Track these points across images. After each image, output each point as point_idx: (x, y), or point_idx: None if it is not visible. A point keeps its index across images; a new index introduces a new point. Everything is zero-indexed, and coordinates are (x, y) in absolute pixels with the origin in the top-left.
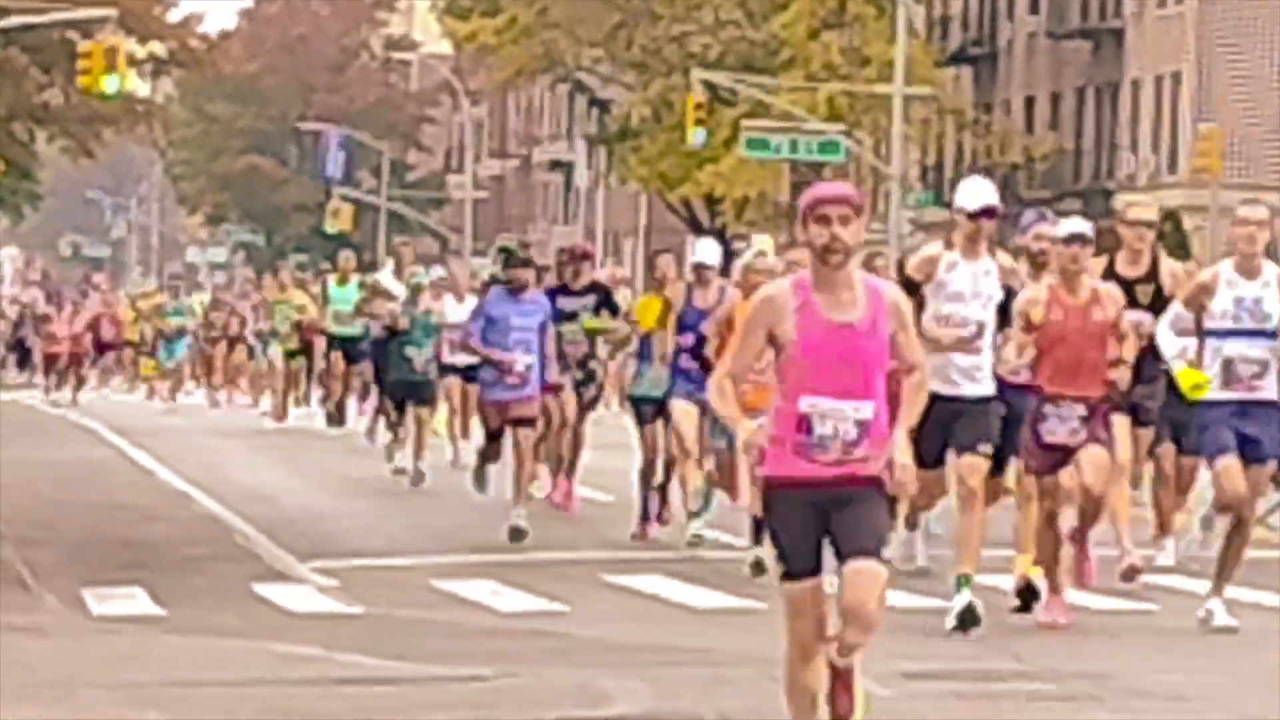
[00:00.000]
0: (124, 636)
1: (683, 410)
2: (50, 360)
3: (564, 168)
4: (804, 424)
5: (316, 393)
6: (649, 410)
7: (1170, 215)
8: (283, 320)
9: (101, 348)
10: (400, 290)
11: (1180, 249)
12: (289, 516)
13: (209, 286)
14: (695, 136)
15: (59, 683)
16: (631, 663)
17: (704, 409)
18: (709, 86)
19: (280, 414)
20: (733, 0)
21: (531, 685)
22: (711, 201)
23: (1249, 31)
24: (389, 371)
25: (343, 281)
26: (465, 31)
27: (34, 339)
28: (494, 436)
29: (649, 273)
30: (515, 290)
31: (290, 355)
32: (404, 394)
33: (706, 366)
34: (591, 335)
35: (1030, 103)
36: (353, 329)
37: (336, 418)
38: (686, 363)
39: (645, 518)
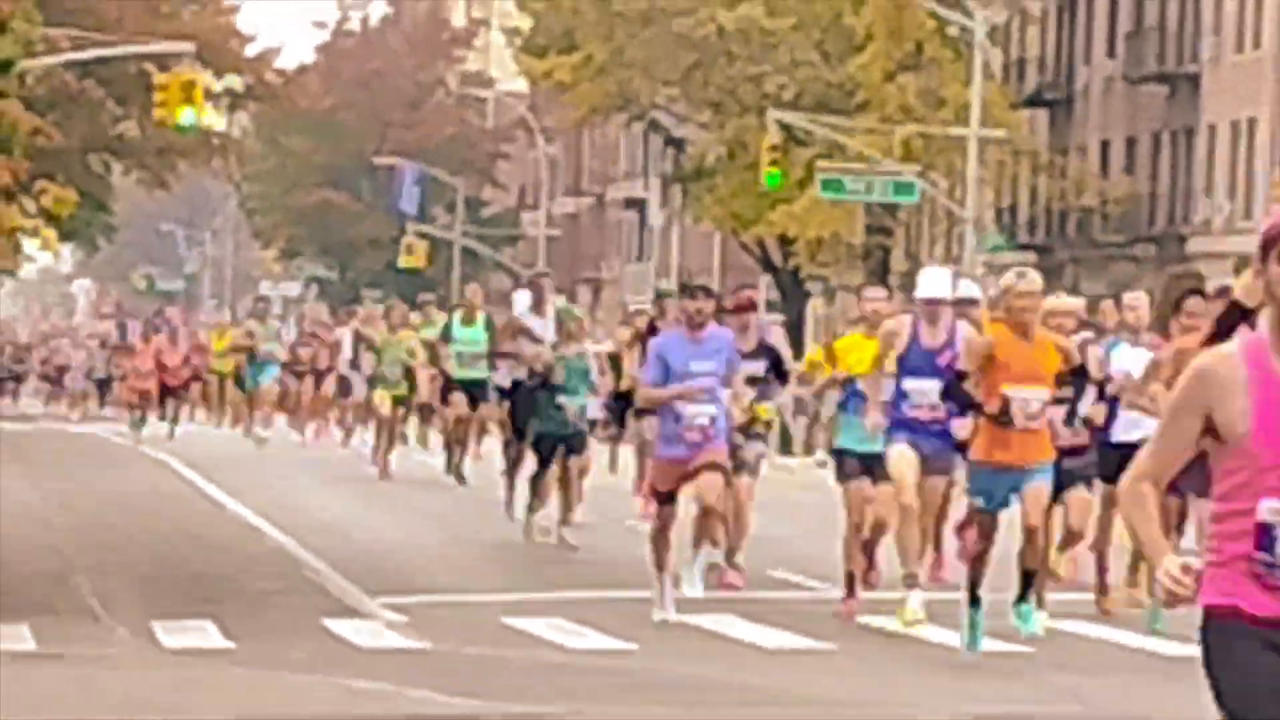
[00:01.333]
0: (193, 669)
1: (901, 455)
2: (140, 397)
3: (638, 206)
4: (1264, 537)
5: (412, 427)
6: (854, 465)
7: (1244, 261)
8: (392, 364)
9: (192, 379)
10: (540, 326)
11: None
12: (359, 551)
13: (291, 319)
14: (768, 180)
15: (129, 714)
16: (700, 701)
17: (925, 459)
18: (784, 127)
19: (385, 467)
20: (809, 41)
21: None
22: (785, 242)
23: None
24: (537, 421)
25: (469, 320)
26: (541, 69)
27: (114, 372)
28: (666, 499)
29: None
30: (695, 328)
31: (398, 401)
32: (554, 446)
33: (967, 407)
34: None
35: (1105, 146)
36: (478, 372)
37: (461, 477)
38: (910, 411)
39: (851, 591)
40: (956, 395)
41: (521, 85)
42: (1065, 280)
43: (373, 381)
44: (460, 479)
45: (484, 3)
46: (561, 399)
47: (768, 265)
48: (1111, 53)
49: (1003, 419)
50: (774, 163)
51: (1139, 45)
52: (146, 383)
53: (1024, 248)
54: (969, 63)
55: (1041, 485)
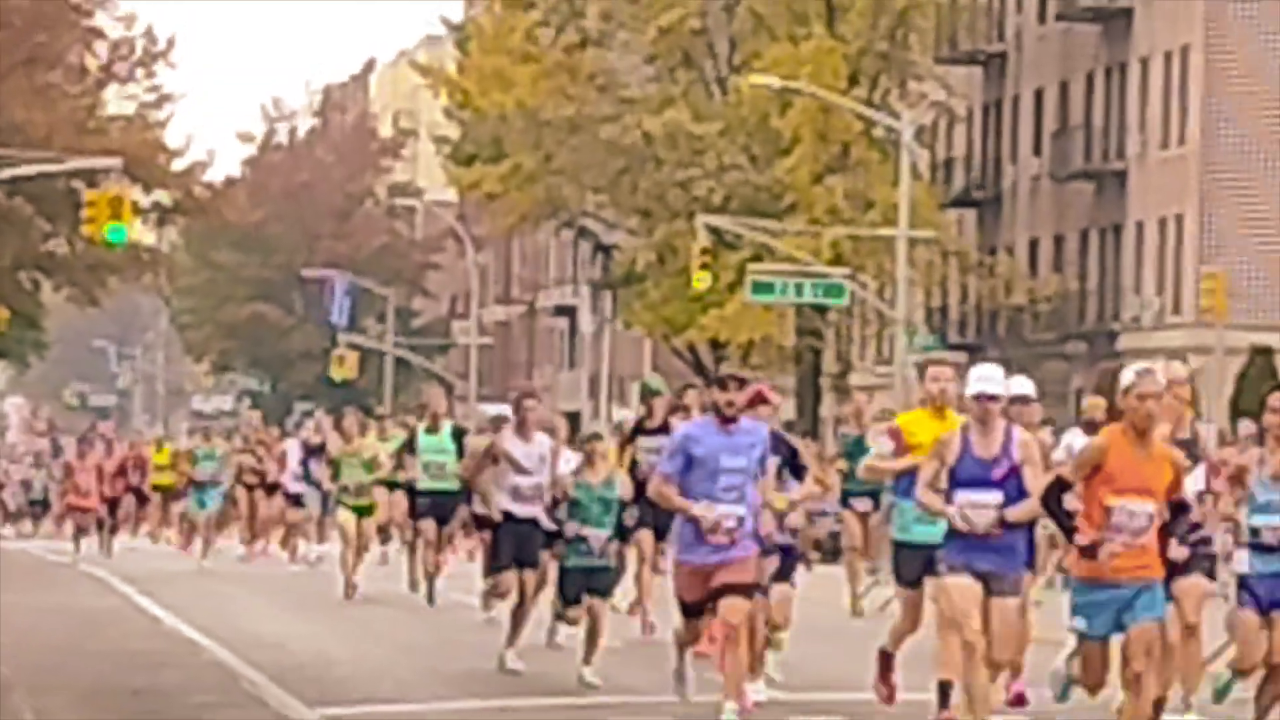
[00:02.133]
0: None
1: (958, 586)
2: (80, 514)
3: (569, 313)
4: None
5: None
6: (915, 564)
7: (1175, 356)
8: (351, 475)
9: (130, 493)
10: (524, 454)
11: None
12: (298, 662)
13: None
14: (698, 283)
15: None
16: None
17: (988, 581)
18: (713, 231)
19: (351, 586)
20: (736, 145)
21: None
22: (717, 346)
23: (1251, 172)
24: (566, 556)
25: (433, 428)
26: (469, 178)
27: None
28: (693, 612)
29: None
30: (726, 421)
31: (361, 513)
32: (581, 585)
33: (1069, 524)
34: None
35: (1034, 245)
36: (446, 483)
37: (430, 596)
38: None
39: (888, 686)
40: (1057, 511)
41: (450, 194)
42: None
43: (329, 496)
44: (430, 599)
45: (411, 113)
46: (585, 530)
47: (699, 369)
48: (1038, 151)
49: (1088, 552)
50: (704, 266)
51: (1065, 143)
52: (88, 500)
53: (955, 347)
54: (896, 164)
55: (1150, 623)
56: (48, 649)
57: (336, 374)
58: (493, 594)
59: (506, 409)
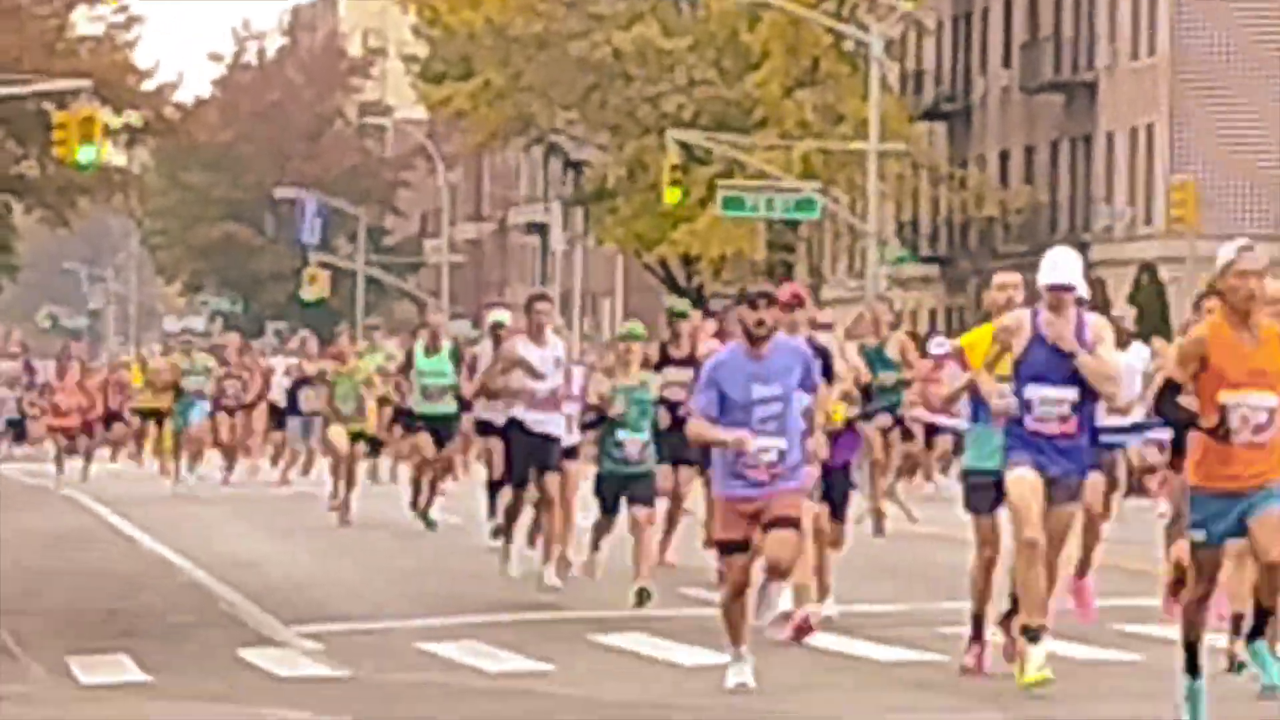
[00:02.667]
0: (111, 704)
1: (1022, 480)
2: (59, 435)
3: (540, 230)
4: None
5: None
6: (988, 491)
7: (1147, 267)
8: (345, 397)
9: (109, 417)
10: (539, 358)
11: (1158, 299)
12: (273, 582)
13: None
14: (670, 199)
15: None
16: None
17: (1052, 484)
18: (684, 146)
19: (345, 510)
20: (706, 60)
21: None
22: (688, 261)
23: (1221, 82)
24: (602, 462)
25: (433, 349)
26: (439, 96)
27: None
28: (734, 548)
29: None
30: (756, 343)
31: (356, 437)
32: (618, 490)
33: (1188, 425)
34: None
35: (1005, 157)
36: (444, 407)
37: (429, 521)
38: (1033, 425)
39: (978, 636)
40: (1171, 413)
41: (420, 113)
42: (969, 291)
43: (323, 418)
44: (428, 523)
45: (380, 32)
46: (622, 435)
47: (672, 285)
48: (1007, 63)
49: (1221, 433)
50: (675, 182)
51: (1035, 55)
52: (68, 420)
53: (927, 260)
54: (866, 77)
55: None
56: (23, 571)
57: (308, 294)
58: (507, 519)
59: (504, 314)
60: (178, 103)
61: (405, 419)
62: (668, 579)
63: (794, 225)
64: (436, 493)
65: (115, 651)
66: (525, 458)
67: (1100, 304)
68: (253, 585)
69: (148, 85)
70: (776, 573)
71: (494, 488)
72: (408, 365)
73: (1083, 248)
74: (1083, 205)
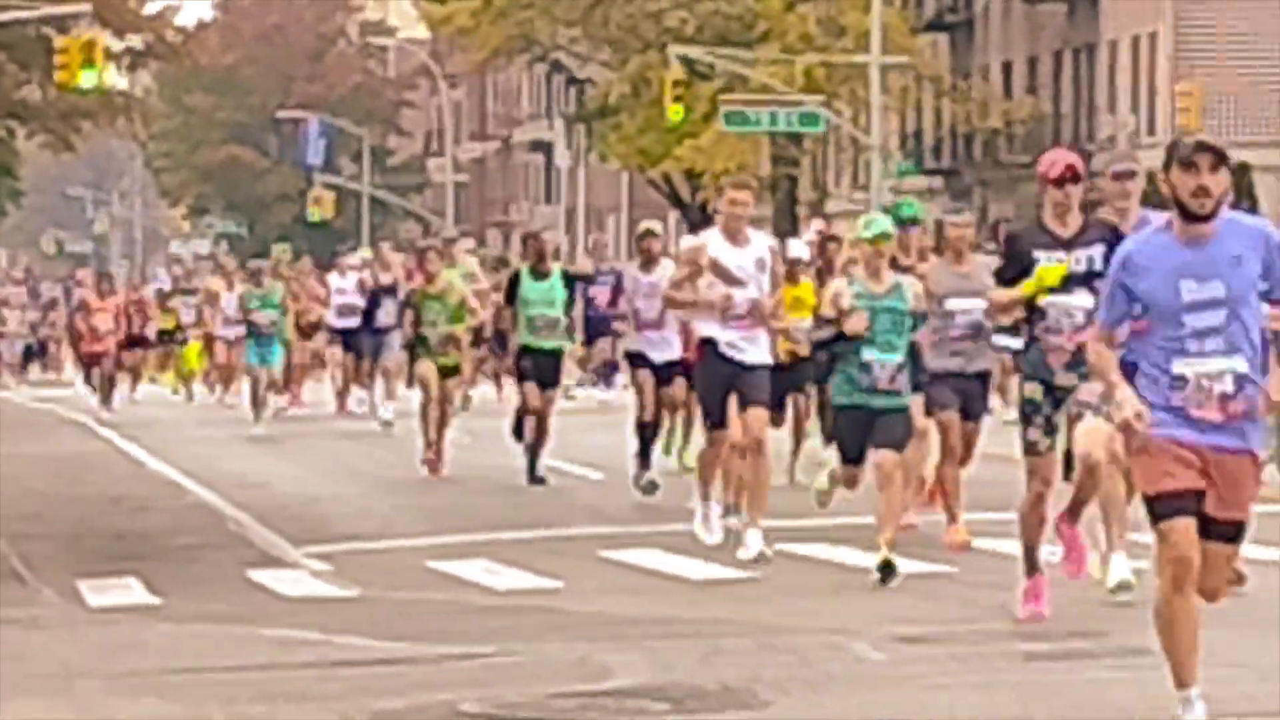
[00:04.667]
0: (121, 626)
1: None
2: (93, 361)
3: (544, 148)
4: None
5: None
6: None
7: (1152, 176)
8: (435, 323)
9: (131, 343)
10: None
11: (1162, 208)
12: (281, 502)
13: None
14: (673, 115)
15: (57, 674)
16: (629, 636)
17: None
18: (686, 62)
19: (439, 460)
20: None
21: (531, 661)
22: (692, 176)
23: None
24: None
25: (541, 272)
26: (441, 14)
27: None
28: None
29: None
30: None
31: (446, 372)
32: (863, 430)
33: None
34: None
35: (1008, 67)
36: (555, 340)
37: (538, 478)
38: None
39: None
40: None
41: (422, 32)
42: (974, 202)
43: (407, 348)
44: (537, 480)
45: None
46: (870, 356)
47: (676, 201)
48: None
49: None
50: (678, 98)
51: None
52: (105, 344)
53: (931, 172)
54: None
55: None
56: (30, 495)
57: (313, 215)
58: (704, 476)
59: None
60: (179, 26)
61: (493, 347)
62: (676, 491)
63: (797, 139)
64: (543, 445)
65: (124, 574)
66: (722, 390)
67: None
68: (261, 506)
69: (149, 9)
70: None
71: (644, 430)
72: (513, 293)
73: (1087, 157)
74: (1086, 115)
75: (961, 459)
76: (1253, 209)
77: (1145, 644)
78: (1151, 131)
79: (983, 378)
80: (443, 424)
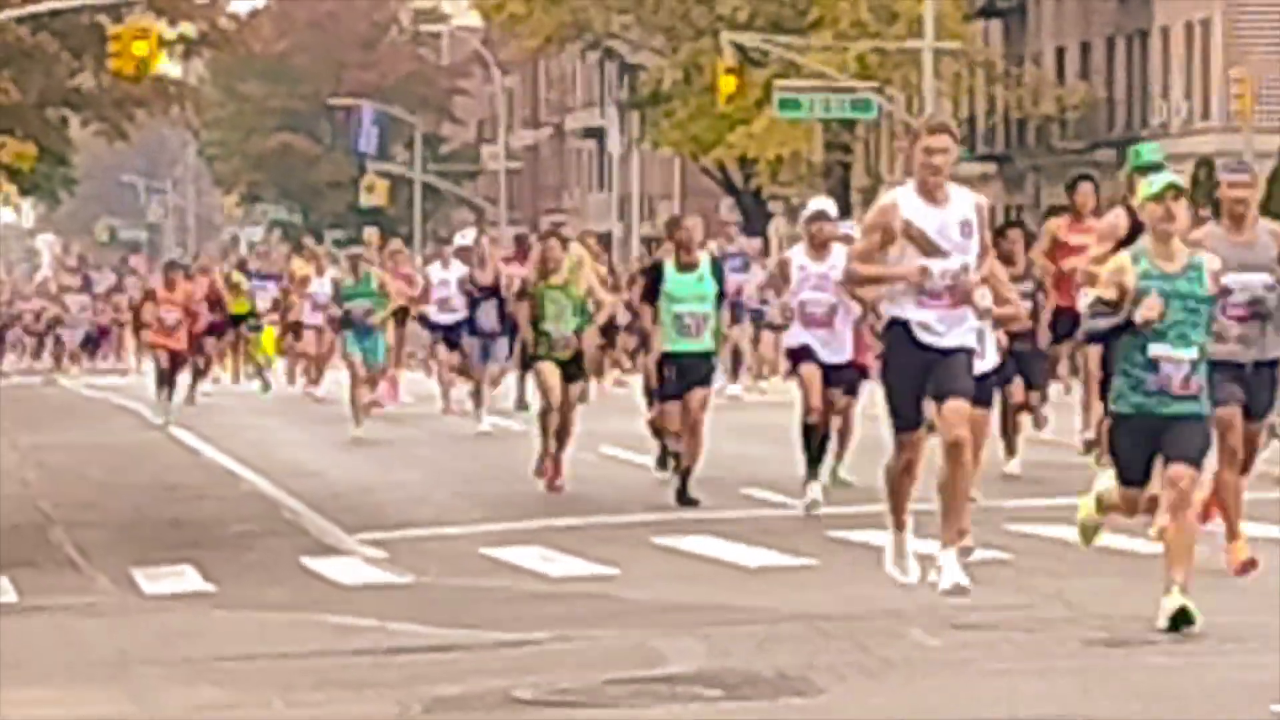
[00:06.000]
0: (176, 614)
1: None
2: (171, 359)
3: (597, 134)
4: None
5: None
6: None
7: (1204, 161)
8: (558, 317)
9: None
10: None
11: (1214, 195)
12: (336, 490)
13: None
14: (725, 100)
15: (114, 661)
16: (684, 623)
17: None
18: (739, 48)
19: (554, 475)
20: None
21: (586, 648)
22: (745, 163)
23: None
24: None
25: (688, 264)
26: (494, 1)
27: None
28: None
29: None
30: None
31: (568, 371)
32: (1152, 440)
33: None
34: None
35: (1061, 53)
36: (699, 344)
37: (683, 493)
38: None
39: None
40: None
41: (475, 19)
42: (1027, 189)
43: (522, 346)
44: (690, 501)
45: None
46: (1160, 351)
47: (729, 188)
48: None
49: None
50: (730, 71)
51: None
52: (173, 339)
53: (984, 158)
54: None
55: None
56: (86, 484)
57: (366, 202)
58: (895, 492)
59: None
60: (232, 13)
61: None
62: (731, 477)
63: (850, 125)
64: (698, 459)
65: (179, 562)
66: (914, 383)
67: None
68: (316, 493)
69: None
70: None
71: (810, 434)
72: (654, 288)
73: (1139, 143)
74: (1139, 100)
75: (1243, 465)
76: None
77: (1203, 631)
78: (1205, 117)
79: (1273, 366)
80: (564, 433)
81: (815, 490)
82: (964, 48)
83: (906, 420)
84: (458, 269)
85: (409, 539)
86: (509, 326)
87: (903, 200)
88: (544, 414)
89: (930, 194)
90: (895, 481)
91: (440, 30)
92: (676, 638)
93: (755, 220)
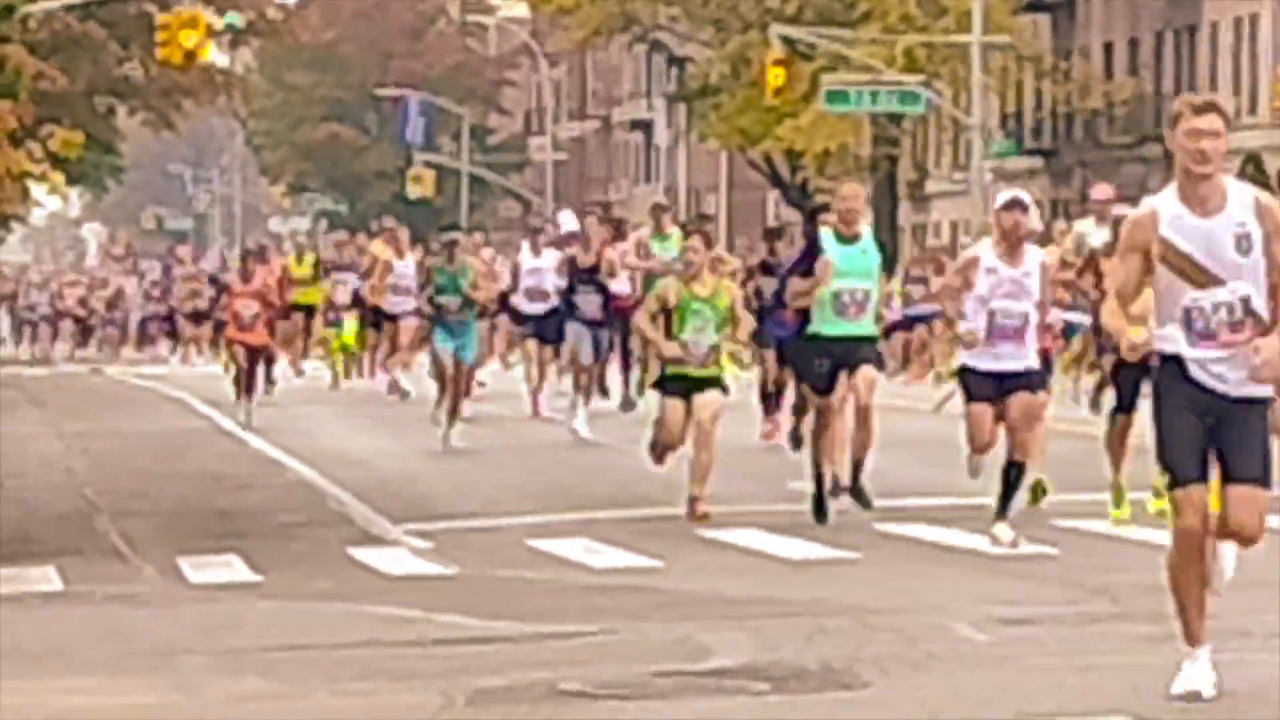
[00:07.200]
0: (222, 603)
1: None
2: (250, 356)
3: (644, 127)
4: None
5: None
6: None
7: (1252, 157)
8: (699, 331)
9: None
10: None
11: (1263, 189)
12: (382, 480)
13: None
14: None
15: (159, 651)
16: (730, 615)
17: None
18: (787, 41)
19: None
20: None
21: (632, 640)
22: (793, 156)
23: None
24: None
25: (849, 236)
26: None
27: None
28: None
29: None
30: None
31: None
32: None
33: None
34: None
35: (1109, 48)
36: (870, 327)
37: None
38: None
39: None
40: None
41: (523, 10)
42: (1074, 183)
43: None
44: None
45: None
46: None
47: (776, 181)
48: None
49: None
50: (778, 62)
51: None
52: (252, 334)
53: (1031, 153)
54: None
55: None
56: (132, 473)
57: (413, 192)
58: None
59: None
60: (280, 3)
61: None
62: (777, 470)
63: (898, 119)
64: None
65: (225, 551)
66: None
67: None
68: (361, 484)
69: None
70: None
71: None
72: (810, 263)
73: None
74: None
75: None
76: None
77: (1250, 627)
78: (1253, 112)
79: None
80: (707, 471)
81: (1001, 530)
82: (1012, 42)
83: (1184, 472)
84: (550, 257)
85: (454, 530)
86: (613, 317)
87: (1163, 210)
88: (657, 442)
89: (1198, 196)
90: (1179, 576)
91: (487, 21)
92: (722, 631)
93: (803, 213)
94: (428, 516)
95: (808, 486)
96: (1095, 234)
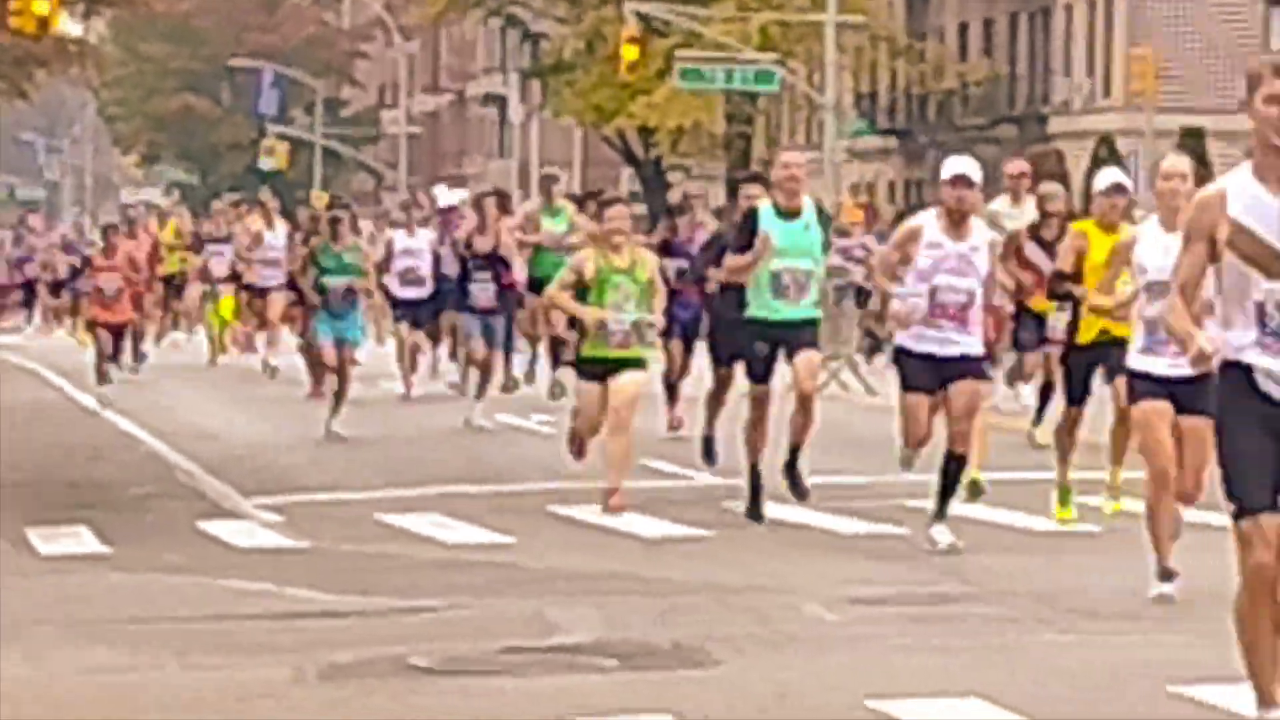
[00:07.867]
0: (72, 575)
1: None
2: (111, 332)
3: (498, 102)
4: None
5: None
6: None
7: (1105, 139)
8: (619, 307)
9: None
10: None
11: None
12: (233, 454)
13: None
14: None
15: (9, 622)
16: (581, 592)
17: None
18: (641, 17)
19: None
20: None
21: (482, 616)
22: (646, 133)
23: None
24: None
25: (789, 210)
26: None
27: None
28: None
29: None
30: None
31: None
32: None
33: None
34: None
35: (964, 29)
36: (812, 310)
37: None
38: None
39: None
40: None
41: None
42: (927, 163)
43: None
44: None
45: None
46: None
47: (629, 157)
48: None
49: None
50: (632, 39)
51: None
52: (115, 311)
53: (885, 133)
54: None
55: None
56: None
57: (266, 165)
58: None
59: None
60: None
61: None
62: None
63: (752, 97)
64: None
65: (75, 523)
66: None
67: (1058, 175)
68: (213, 457)
69: None
70: None
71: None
72: (749, 239)
73: (1041, 120)
74: (1041, 77)
75: None
76: (1207, 176)
77: (1096, 610)
78: (1107, 95)
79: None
80: (623, 461)
81: (940, 533)
82: (867, 21)
83: (1253, 500)
84: (424, 236)
85: (305, 503)
86: (508, 302)
87: (1233, 192)
88: (574, 433)
89: (1277, 172)
90: (1248, 622)
91: None
92: (573, 607)
93: (655, 190)
94: (278, 490)
95: (740, 506)
96: (1010, 213)
